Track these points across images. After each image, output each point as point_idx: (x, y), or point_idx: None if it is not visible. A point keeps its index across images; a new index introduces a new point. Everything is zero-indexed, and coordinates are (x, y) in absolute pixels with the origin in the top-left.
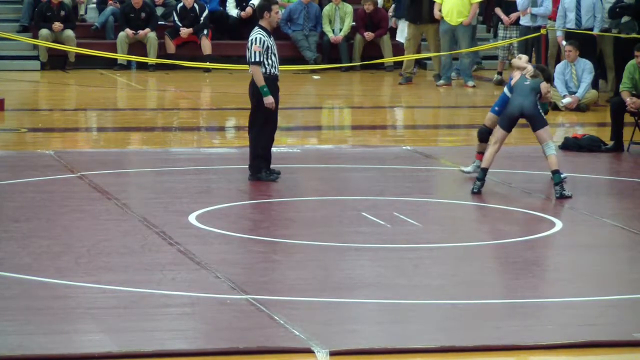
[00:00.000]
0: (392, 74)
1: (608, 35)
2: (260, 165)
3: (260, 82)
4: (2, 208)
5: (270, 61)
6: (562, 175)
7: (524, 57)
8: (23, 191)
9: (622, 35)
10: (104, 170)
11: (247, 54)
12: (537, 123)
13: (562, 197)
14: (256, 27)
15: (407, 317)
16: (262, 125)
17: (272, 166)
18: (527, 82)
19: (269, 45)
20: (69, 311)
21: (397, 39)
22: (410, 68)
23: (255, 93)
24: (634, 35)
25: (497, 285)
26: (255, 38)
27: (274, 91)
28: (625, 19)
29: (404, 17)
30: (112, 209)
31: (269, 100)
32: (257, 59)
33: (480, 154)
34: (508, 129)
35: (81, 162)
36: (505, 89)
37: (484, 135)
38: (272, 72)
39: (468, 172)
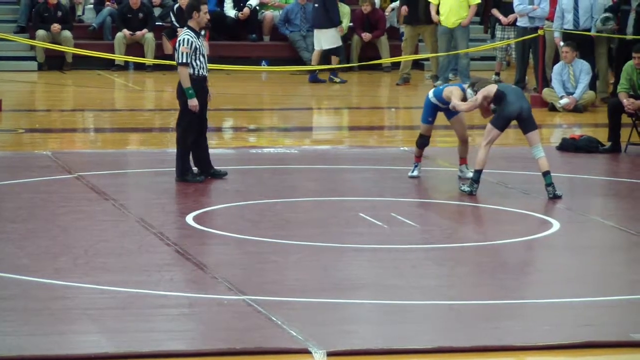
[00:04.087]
0: (390, 74)
1: (604, 35)
2: (187, 166)
3: (187, 83)
4: (0, 209)
5: (198, 62)
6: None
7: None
8: (20, 192)
9: (624, 37)
10: (102, 171)
11: (175, 55)
12: (530, 125)
13: (555, 197)
14: (185, 28)
15: (405, 317)
16: (188, 126)
17: (218, 167)
18: (514, 86)
19: (197, 46)
20: (66, 312)
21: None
22: (407, 69)
23: (182, 94)
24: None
25: (494, 285)
26: (183, 39)
27: (203, 92)
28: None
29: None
30: (109, 210)
31: (193, 102)
32: (185, 60)
33: (419, 157)
34: (503, 129)
35: (79, 162)
36: (432, 96)
37: (425, 143)
38: (200, 73)
39: (415, 177)
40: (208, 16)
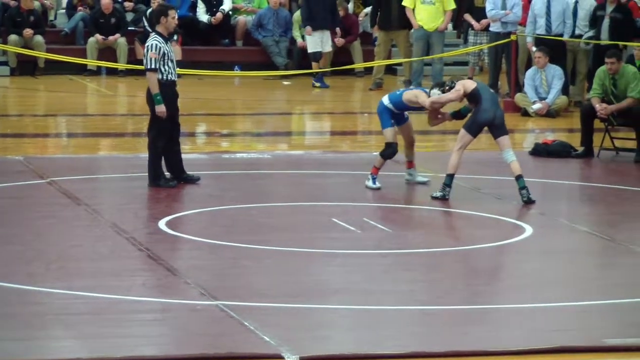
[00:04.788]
0: (363, 79)
1: (578, 41)
2: (159, 172)
3: (155, 89)
4: None
5: (167, 67)
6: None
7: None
8: None
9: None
10: (74, 176)
11: (144, 61)
12: (502, 130)
13: (529, 201)
14: (152, 33)
15: (378, 322)
16: (159, 132)
17: (191, 172)
18: (492, 90)
19: (165, 51)
20: (39, 317)
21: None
22: (380, 74)
23: (151, 100)
24: (596, 42)
25: (467, 291)
26: (151, 45)
27: (173, 97)
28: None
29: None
30: (82, 215)
31: (160, 109)
32: (153, 66)
33: (378, 169)
34: (476, 135)
35: (51, 167)
36: (387, 102)
37: (394, 153)
38: (169, 78)
39: (377, 188)
40: (176, 21)
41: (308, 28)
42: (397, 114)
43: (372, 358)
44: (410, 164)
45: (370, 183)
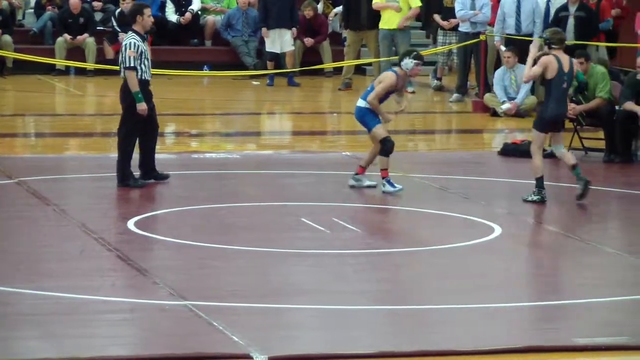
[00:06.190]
0: (332, 79)
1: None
2: (127, 172)
3: (135, 87)
4: None
5: (143, 66)
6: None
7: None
8: None
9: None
10: (43, 176)
11: (120, 59)
12: (561, 125)
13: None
14: (130, 32)
15: (347, 322)
16: (129, 132)
17: (164, 172)
18: (564, 86)
19: (143, 50)
20: (8, 317)
21: (268, 49)
22: (349, 74)
23: (125, 98)
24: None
25: (436, 290)
26: (130, 43)
27: (147, 96)
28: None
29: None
30: (50, 215)
31: (141, 107)
32: (132, 64)
33: (386, 169)
34: (546, 131)
35: (19, 168)
36: (364, 105)
37: (392, 146)
38: (144, 77)
39: (398, 190)
40: (152, 19)
41: (263, 29)
42: (375, 114)
43: (340, 358)
44: (362, 170)
45: (389, 188)
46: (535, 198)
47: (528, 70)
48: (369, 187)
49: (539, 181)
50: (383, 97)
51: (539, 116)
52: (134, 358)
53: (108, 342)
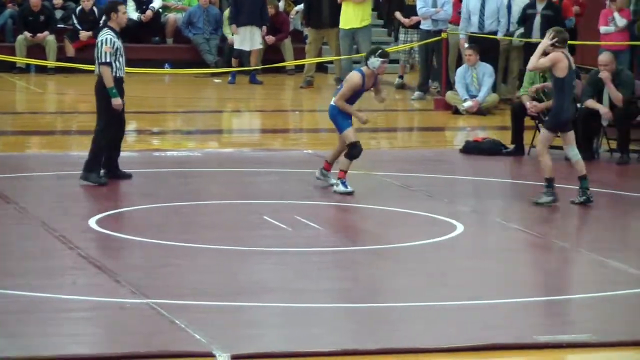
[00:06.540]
0: (294, 77)
1: (511, 39)
2: (94, 167)
3: (110, 83)
4: None
5: (118, 63)
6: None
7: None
8: None
9: (529, 40)
10: (3, 174)
11: (96, 54)
12: (570, 125)
13: (587, 201)
14: (105, 28)
15: (309, 320)
16: (104, 127)
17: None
18: (573, 84)
19: (118, 46)
20: None
21: (237, 46)
22: (311, 72)
23: (100, 93)
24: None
25: (398, 288)
26: (106, 39)
27: (121, 93)
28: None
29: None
30: (11, 213)
31: (117, 102)
32: (107, 60)
33: (345, 172)
34: (557, 132)
35: None
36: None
37: (360, 151)
38: (118, 74)
39: (349, 192)
40: (127, 16)
41: (233, 26)
42: (347, 114)
43: (303, 356)
44: (328, 165)
45: (341, 188)
46: (548, 199)
47: (535, 60)
48: (331, 185)
49: (550, 182)
50: (352, 97)
51: (554, 116)
52: (95, 356)
53: (69, 341)
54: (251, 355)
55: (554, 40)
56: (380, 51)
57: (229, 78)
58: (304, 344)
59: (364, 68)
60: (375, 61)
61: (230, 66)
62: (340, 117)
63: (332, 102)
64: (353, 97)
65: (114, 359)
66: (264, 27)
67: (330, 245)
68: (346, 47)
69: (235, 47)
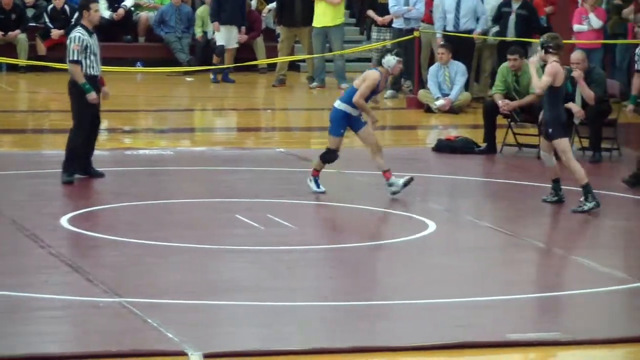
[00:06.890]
0: (266, 76)
1: (485, 37)
2: (67, 165)
3: (81, 79)
4: None
5: (88, 61)
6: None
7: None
8: None
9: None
10: None
11: (66, 52)
12: None
13: (559, 200)
14: (77, 26)
15: (282, 319)
16: (78, 125)
17: (101, 169)
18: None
19: (89, 44)
20: None
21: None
22: (283, 70)
23: (73, 91)
24: (502, 38)
25: (370, 286)
26: (74, 37)
27: (96, 92)
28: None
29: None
30: None
31: (92, 96)
32: (76, 58)
33: (318, 171)
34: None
35: None
36: (339, 104)
37: (334, 158)
38: (89, 72)
39: (321, 192)
40: (99, 14)
41: (215, 23)
42: (353, 118)
43: (276, 354)
44: (387, 174)
45: (313, 186)
46: (591, 205)
47: (536, 81)
48: (404, 185)
49: (587, 187)
50: (368, 97)
51: (556, 123)
52: (67, 355)
53: (41, 340)
54: (224, 353)
55: (548, 46)
56: (396, 50)
57: (211, 76)
58: (275, 342)
59: (379, 67)
60: (391, 59)
61: (202, 65)
62: (337, 122)
63: (336, 105)
64: (367, 98)
65: (86, 357)
66: (243, 27)
67: (302, 244)
68: (319, 45)
69: (218, 44)
